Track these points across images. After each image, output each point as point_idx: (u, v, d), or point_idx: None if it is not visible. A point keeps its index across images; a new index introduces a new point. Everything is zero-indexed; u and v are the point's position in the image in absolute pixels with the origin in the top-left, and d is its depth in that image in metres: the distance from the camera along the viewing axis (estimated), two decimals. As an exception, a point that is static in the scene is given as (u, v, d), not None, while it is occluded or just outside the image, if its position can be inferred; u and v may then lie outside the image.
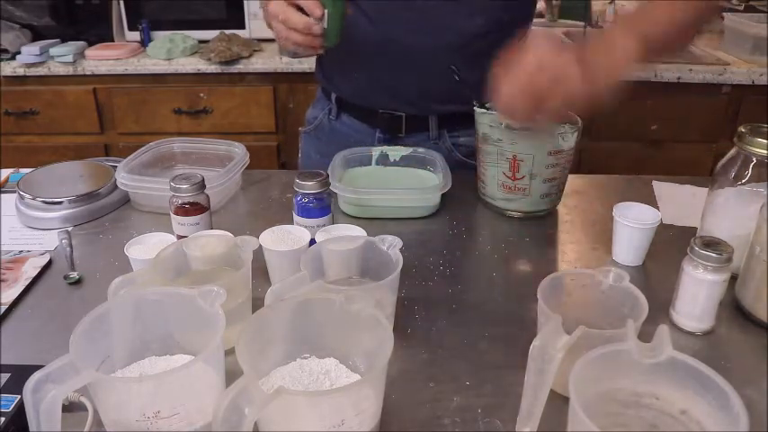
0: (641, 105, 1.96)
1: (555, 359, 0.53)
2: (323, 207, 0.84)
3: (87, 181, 1.05)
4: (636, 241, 0.85)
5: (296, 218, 0.85)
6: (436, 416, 0.61)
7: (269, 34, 1.01)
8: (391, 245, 0.71)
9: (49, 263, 0.87)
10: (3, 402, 0.58)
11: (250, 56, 2.05)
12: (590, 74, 0.74)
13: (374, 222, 0.95)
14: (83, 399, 0.61)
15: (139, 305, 0.60)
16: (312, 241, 0.80)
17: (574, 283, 0.68)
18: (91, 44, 2.11)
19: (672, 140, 2.03)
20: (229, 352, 0.53)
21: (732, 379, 0.48)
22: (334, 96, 1.19)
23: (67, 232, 0.93)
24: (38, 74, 2.04)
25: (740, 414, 0.45)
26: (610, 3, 2.34)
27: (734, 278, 0.76)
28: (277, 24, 0.90)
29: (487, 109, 0.97)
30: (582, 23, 2.35)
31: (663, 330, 0.52)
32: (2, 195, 1.06)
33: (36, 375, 0.49)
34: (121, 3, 2.14)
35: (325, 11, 0.87)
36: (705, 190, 0.85)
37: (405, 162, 1.10)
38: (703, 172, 1.90)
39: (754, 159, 0.77)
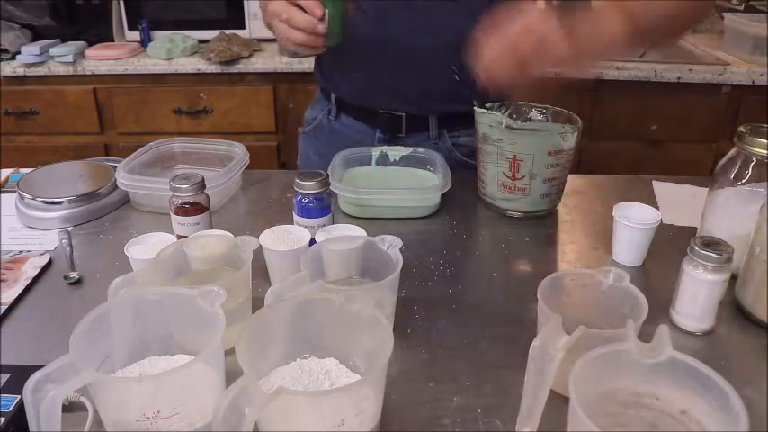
0: (641, 105, 1.96)
1: (555, 359, 0.53)
2: (323, 207, 0.84)
3: (87, 181, 1.05)
4: (636, 241, 0.85)
5: (296, 218, 0.85)
6: (436, 416, 0.61)
7: (269, 34, 1.01)
8: (391, 245, 0.71)
9: (49, 263, 0.87)
10: (3, 402, 0.58)
11: (250, 56, 2.04)
12: (575, 42, 0.75)
13: (374, 222, 0.95)
14: (83, 399, 0.61)
15: (139, 305, 0.60)
16: (312, 241, 0.80)
17: (574, 283, 0.68)
18: (91, 44, 2.11)
19: (672, 140, 2.02)
20: (229, 352, 0.53)
21: (732, 379, 0.48)
22: (333, 97, 1.19)
23: (67, 232, 0.93)
24: (38, 74, 2.04)
25: (740, 414, 0.45)
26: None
27: (734, 278, 0.76)
28: (279, 24, 0.90)
29: (487, 109, 0.97)
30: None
31: (663, 330, 0.52)
32: (2, 195, 1.06)
33: (36, 375, 0.49)
34: (121, 3, 2.14)
35: (326, 11, 0.88)
36: (705, 190, 0.85)
37: (405, 162, 1.10)
38: (703, 172, 1.90)
39: (754, 159, 0.77)
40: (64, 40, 2.11)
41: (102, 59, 2.04)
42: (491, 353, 0.70)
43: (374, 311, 0.57)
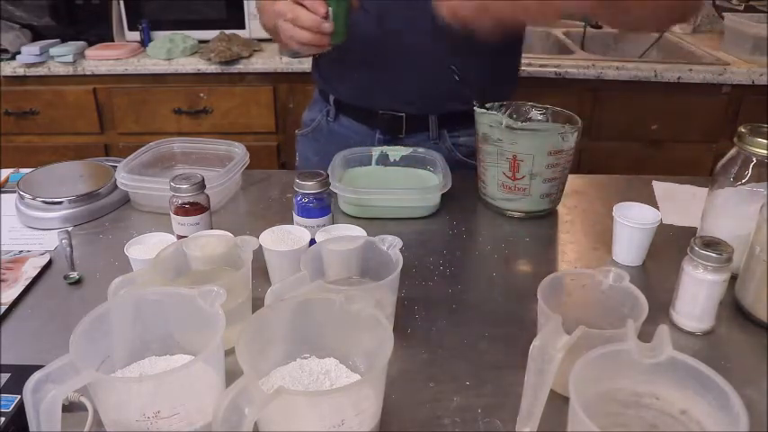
0: (641, 105, 1.96)
1: (555, 359, 0.53)
2: (323, 207, 0.84)
3: (87, 181, 1.05)
4: (636, 241, 0.85)
5: (296, 218, 0.85)
6: (436, 416, 0.61)
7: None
8: (391, 245, 0.71)
9: (49, 263, 0.87)
10: (3, 402, 0.58)
11: (250, 56, 2.04)
12: None
13: (374, 222, 0.95)
14: (83, 399, 0.61)
15: (139, 305, 0.60)
16: (312, 241, 0.80)
17: (574, 283, 0.68)
18: (91, 44, 2.11)
19: (672, 140, 2.02)
20: (229, 352, 0.53)
21: (732, 379, 0.48)
22: (332, 98, 1.19)
23: (67, 232, 0.93)
24: (38, 74, 2.04)
25: (740, 414, 0.45)
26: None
27: (734, 278, 0.76)
28: (284, 24, 0.90)
29: (487, 109, 0.97)
30: (581, 23, 2.35)
31: (663, 330, 0.52)
32: (2, 195, 1.06)
33: (36, 375, 0.49)
34: (121, 3, 2.14)
35: (330, 9, 0.87)
36: (705, 190, 0.85)
37: (405, 162, 1.10)
38: (703, 172, 1.90)
39: (754, 159, 0.77)
40: (64, 40, 2.11)
41: (102, 59, 2.04)
42: (491, 353, 0.70)
43: (374, 311, 0.57)
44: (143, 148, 1.09)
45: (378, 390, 0.54)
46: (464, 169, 1.11)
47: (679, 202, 1.04)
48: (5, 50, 2.05)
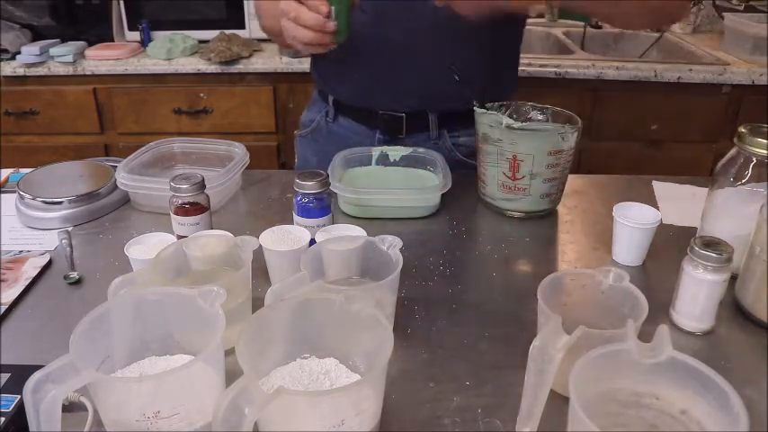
0: (641, 105, 1.96)
1: (555, 359, 0.53)
2: (323, 207, 0.84)
3: (87, 181, 1.05)
4: (636, 241, 0.85)
5: (296, 218, 0.85)
6: (436, 416, 0.61)
7: (269, 34, 1.01)
8: (391, 245, 0.71)
9: (49, 263, 0.87)
10: (3, 402, 0.58)
11: (250, 56, 2.04)
12: None
13: (374, 222, 0.95)
14: (83, 399, 0.61)
15: (139, 305, 0.60)
16: (312, 241, 0.80)
17: (574, 283, 0.68)
18: (91, 44, 2.11)
19: (672, 140, 2.02)
20: (229, 352, 0.53)
21: (732, 379, 0.48)
22: (331, 99, 1.19)
23: (67, 232, 0.93)
24: (38, 74, 2.04)
25: (740, 414, 0.45)
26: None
27: (734, 278, 0.76)
28: (287, 23, 0.89)
29: (487, 109, 0.97)
30: (581, 23, 2.35)
31: (663, 330, 0.52)
32: (2, 195, 1.06)
33: (36, 375, 0.49)
34: (121, 3, 2.14)
35: (332, 7, 0.87)
36: (705, 190, 0.85)
37: (405, 162, 1.10)
38: (703, 172, 1.90)
39: (754, 159, 0.77)
40: (64, 40, 2.11)
41: (102, 59, 2.04)
42: (491, 353, 0.70)
43: (374, 311, 0.57)
44: (143, 148, 1.09)
45: (378, 390, 0.54)
46: (464, 169, 1.11)
47: (679, 202, 1.04)
48: (5, 50, 2.05)
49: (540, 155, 0.94)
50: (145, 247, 0.79)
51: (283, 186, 1.10)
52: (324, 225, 0.84)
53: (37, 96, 2.09)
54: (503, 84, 1.17)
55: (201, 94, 2.07)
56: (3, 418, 0.56)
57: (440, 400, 0.63)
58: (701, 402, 0.49)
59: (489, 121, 0.96)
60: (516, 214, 1.00)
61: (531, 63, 1.91)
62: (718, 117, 1.97)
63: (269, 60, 2.02)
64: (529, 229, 0.97)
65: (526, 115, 1.04)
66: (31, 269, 0.84)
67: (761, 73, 1.89)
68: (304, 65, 1.98)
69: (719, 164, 0.81)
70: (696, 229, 0.87)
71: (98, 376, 0.52)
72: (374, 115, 1.14)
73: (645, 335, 0.54)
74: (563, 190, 1.01)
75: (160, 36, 2.10)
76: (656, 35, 2.26)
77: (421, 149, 1.10)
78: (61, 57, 2.01)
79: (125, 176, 0.99)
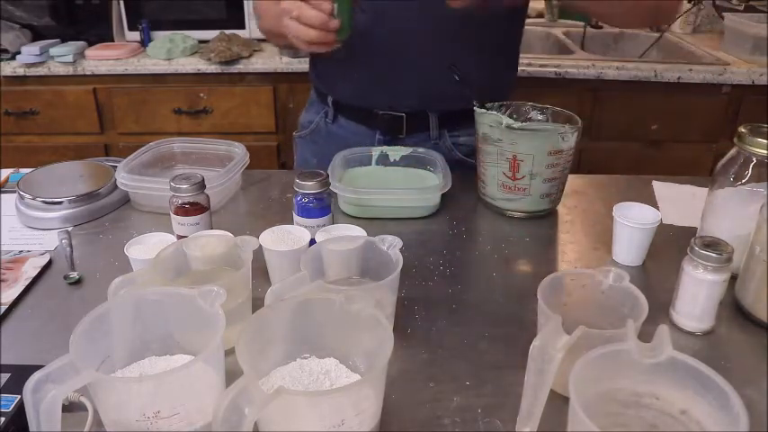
0: (641, 105, 1.96)
1: (555, 359, 0.53)
2: (323, 207, 0.84)
3: (87, 181, 1.05)
4: (636, 241, 0.85)
5: (296, 218, 0.85)
6: (436, 416, 0.61)
7: (269, 34, 1.00)
8: (391, 245, 0.71)
9: (49, 263, 0.87)
10: (3, 402, 0.58)
11: (250, 56, 2.04)
12: None
13: (374, 222, 0.95)
14: (83, 399, 0.61)
15: (139, 305, 0.60)
16: (312, 241, 0.80)
17: (574, 283, 0.68)
18: (91, 44, 2.11)
19: (672, 140, 2.02)
20: (229, 352, 0.53)
21: (732, 379, 0.48)
22: (330, 99, 1.18)
23: (67, 232, 0.93)
24: (38, 74, 2.04)
25: (740, 414, 0.45)
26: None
27: (734, 278, 0.76)
28: (290, 22, 0.88)
29: (487, 109, 0.97)
30: (582, 23, 2.35)
31: (663, 330, 0.52)
32: (2, 195, 1.06)
33: (36, 375, 0.49)
34: (121, 3, 2.13)
35: (334, 5, 0.86)
36: (705, 190, 0.85)
37: (405, 162, 1.10)
38: (703, 172, 1.90)
39: (754, 159, 0.77)
40: (64, 40, 2.11)
41: (102, 59, 2.04)
42: (491, 353, 0.70)
43: (374, 311, 0.57)
44: (143, 148, 1.09)
45: (378, 390, 0.54)
46: (464, 168, 1.11)
47: (679, 202, 1.04)
48: (5, 50, 2.05)
49: (540, 155, 0.94)
50: (145, 247, 0.79)
51: (283, 186, 1.10)
52: (324, 225, 0.84)
53: (37, 96, 2.09)
54: (503, 84, 1.17)
55: (201, 94, 2.07)
56: (3, 418, 0.56)
57: (440, 400, 0.63)
58: (701, 402, 0.49)
59: (489, 121, 0.96)
60: (516, 214, 1.00)
61: (531, 63, 1.91)
62: (718, 117, 1.97)
63: (269, 60, 2.02)
64: (529, 229, 0.97)
65: (526, 115, 1.04)
66: (31, 269, 0.84)
67: (761, 73, 1.89)
68: (304, 65, 1.98)
69: (719, 164, 0.81)
70: (696, 229, 0.87)
71: (98, 376, 0.52)
72: (374, 115, 1.14)
73: (645, 335, 0.54)
74: (563, 190, 1.01)
75: (160, 36, 2.10)
76: (656, 35, 2.26)
77: (421, 149, 1.10)
78: (61, 57, 2.01)
79: (125, 176, 0.99)
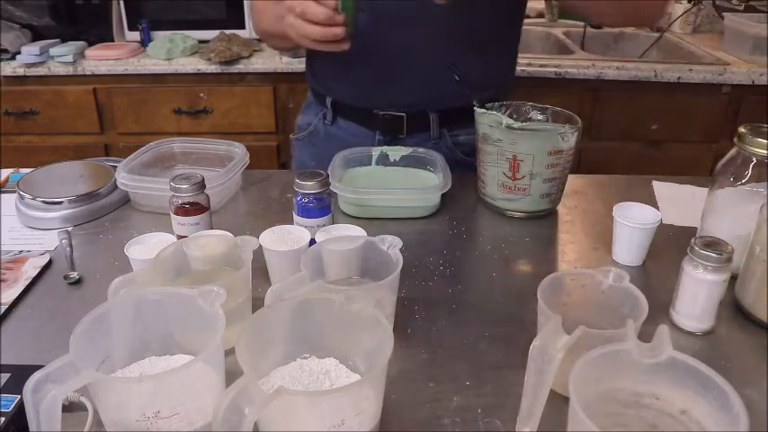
0: (641, 105, 1.96)
1: (555, 359, 0.53)
2: (323, 207, 0.84)
3: (87, 181, 1.05)
4: (636, 241, 0.85)
5: (296, 218, 0.85)
6: (436, 416, 0.61)
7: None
8: (391, 245, 0.71)
9: (49, 263, 0.87)
10: (3, 402, 0.58)
11: (250, 56, 2.04)
12: None
13: (374, 222, 0.95)
14: (83, 399, 0.61)
15: (139, 305, 0.60)
16: (312, 241, 0.80)
17: (574, 283, 0.68)
18: (91, 44, 2.11)
19: (672, 140, 2.02)
20: (229, 352, 0.53)
21: (732, 379, 0.48)
22: (329, 101, 1.18)
23: (67, 232, 0.93)
24: (38, 74, 2.04)
25: (740, 414, 0.45)
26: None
27: (734, 278, 0.76)
28: (294, 20, 0.86)
29: (487, 109, 0.97)
30: (582, 23, 2.35)
31: (663, 330, 0.52)
32: (2, 195, 1.06)
33: (36, 375, 0.49)
34: (121, 3, 2.14)
35: (338, 0, 0.84)
36: (705, 190, 0.85)
37: (405, 162, 1.10)
38: (703, 172, 1.90)
39: (754, 159, 0.77)
40: (64, 40, 2.11)
41: (102, 59, 2.04)
42: (491, 353, 0.70)
43: (374, 311, 0.57)
44: (143, 148, 1.09)
45: (378, 390, 0.54)
46: (464, 168, 1.11)
47: (679, 202, 1.04)
48: (5, 50, 2.05)
49: (540, 155, 0.94)
50: (145, 247, 0.79)
51: (283, 186, 1.10)
52: (324, 225, 0.84)
53: (37, 96, 2.09)
54: (502, 83, 1.17)
55: (201, 94, 2.07)
56: (3, 418, 0.56)
57: (440, 400, 0.63)
58: (701, 402, 0.49)
59: (489, 121, 0.96)
60: (516, 214, 1.00)
61: (531, 63, 1.91)
62: (718, 117, 1.97)
63: (269, 60, 2.02)
64: (529, 229, 0.97)
65: (526, 115, 1.04)
66: (31, 269, 0.84)
67: (761, 73, 1.89)
68: (304, 65, 1.98)
69: (719, 164, 0.81)
70: (696, 229, 0.87)
71: (98, 376, 0.52)
72: (374, 116, 1.14)
73: (645, 335, 0.54)
74: (563, 190, 1.01)
75: (160, 36, 2.10)
76: (656, 35, 2.26)
77: (421, 149, 1.10)
78: (61, 57, 2.01)
79: (125, 176, 0.99)
